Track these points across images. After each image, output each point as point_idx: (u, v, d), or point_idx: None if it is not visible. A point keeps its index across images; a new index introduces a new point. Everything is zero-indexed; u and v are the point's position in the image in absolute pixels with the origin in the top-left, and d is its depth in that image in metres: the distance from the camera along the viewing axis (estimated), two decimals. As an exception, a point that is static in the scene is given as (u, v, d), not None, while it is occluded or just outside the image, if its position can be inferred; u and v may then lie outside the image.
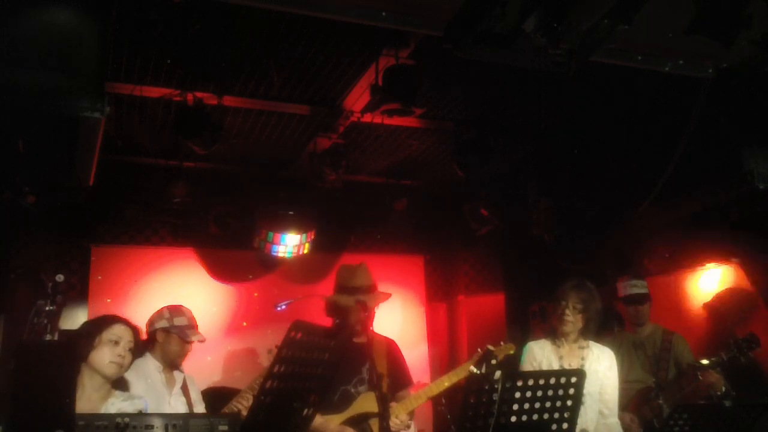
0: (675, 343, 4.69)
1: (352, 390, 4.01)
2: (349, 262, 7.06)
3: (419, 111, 4.51)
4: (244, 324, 4.48)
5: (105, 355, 3.25)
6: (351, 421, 3.93)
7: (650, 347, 4.72)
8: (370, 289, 4.15)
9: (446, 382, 4.02)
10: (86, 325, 3.45)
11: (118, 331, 3.34)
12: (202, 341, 4.17)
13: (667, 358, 4.65)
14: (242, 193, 6.51)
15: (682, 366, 4.56)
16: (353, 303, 4.01)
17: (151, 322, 4.12)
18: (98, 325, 3.36)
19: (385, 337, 4.36)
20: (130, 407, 3.24)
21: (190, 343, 4.12)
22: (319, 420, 3.90)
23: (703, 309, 5.69)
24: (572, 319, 3.89)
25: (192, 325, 4.15)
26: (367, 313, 4.06)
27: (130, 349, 3.35)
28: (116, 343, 3.30)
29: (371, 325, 4.16)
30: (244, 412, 4.01)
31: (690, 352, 4.67)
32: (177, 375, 4.12)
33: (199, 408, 4.14)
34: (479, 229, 6.64)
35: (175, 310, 4.17)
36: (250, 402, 4.14)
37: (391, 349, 4.29)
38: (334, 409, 3.97)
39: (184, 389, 4.11)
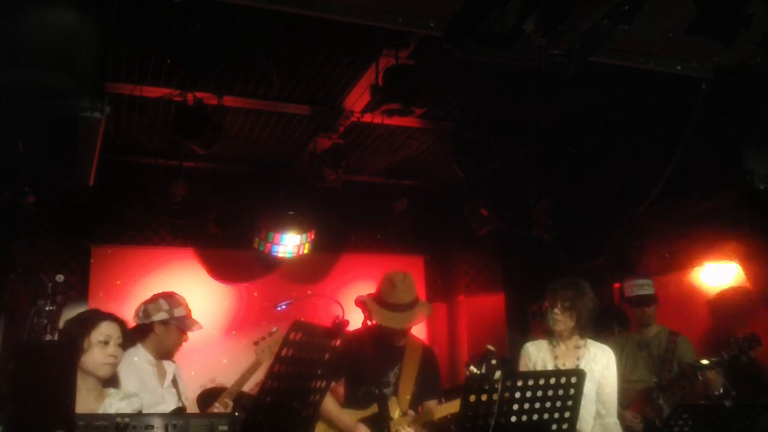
0: (679, 344, 4.69)
1: (376, 392, 4.00)
2: (349, 262, 7.18)
3: (419, 111, 4.51)
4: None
5: (97, 358, 3.15)
6: (369, 420, 3.96)
7: (655, 348, 4.73)
8: (410, 306, 4.10)
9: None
10: (70, 326, 3.24)
11: (105, 329, 3.22)
12: (199, 329, 4.12)
13: (670, 359, 4.66)
14: (242, 193, 6.50)
15: (684, 366, 4.57)
16: (391, 326, 4.04)
17: (147, 314, 3.97)
18: (84, 325, 3.22)
19: (423, 343, 4.40)
20: (128, 407, 3.21)
21: (187, 333, 4.08)
22: (336, 411, 3.98)
23: (703, 309, 5.68)
24: (561, 318, 3.90)
25: (189, 315, 4.07)
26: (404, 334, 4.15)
27: (119, 345, 3.25)
28: (106, 343, 3.19)
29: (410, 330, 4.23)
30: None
31: (693, 353, 4.67)
32: (167, 366, 4.06)
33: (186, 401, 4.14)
34: (479, 229, 6.64)
35: (172, 300, 4.04)
36: (228, 405, 4.20)
37: (425, 356, 4.28)
38: (357, 405, 4.02)
39: (174, 382, 4.07)
